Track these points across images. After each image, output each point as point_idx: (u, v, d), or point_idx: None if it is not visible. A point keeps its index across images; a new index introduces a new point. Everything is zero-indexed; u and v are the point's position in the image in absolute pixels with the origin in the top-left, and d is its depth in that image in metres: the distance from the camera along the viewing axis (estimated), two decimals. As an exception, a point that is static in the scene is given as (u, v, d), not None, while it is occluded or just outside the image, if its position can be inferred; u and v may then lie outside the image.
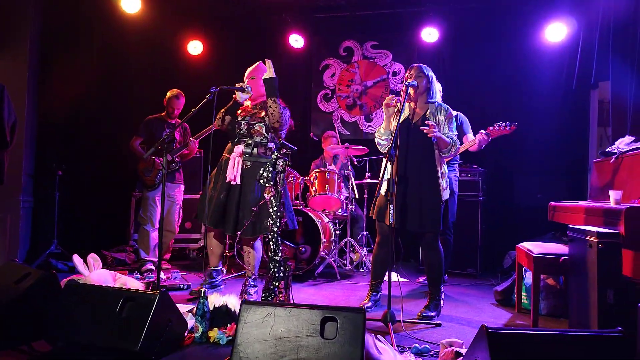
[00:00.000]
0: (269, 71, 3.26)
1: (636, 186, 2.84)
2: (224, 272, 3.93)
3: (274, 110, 3.24)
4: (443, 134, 3.03)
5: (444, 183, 3.07)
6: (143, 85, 5.84)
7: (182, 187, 4.57)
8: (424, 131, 2.94)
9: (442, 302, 3.22)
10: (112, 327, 2.20)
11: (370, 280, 3.32)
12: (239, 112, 3.44)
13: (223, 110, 3.42)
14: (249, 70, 3.50)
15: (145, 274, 3.95)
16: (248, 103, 3.46)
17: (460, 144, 4.09)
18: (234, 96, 3.36)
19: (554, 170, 5.12)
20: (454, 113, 4.11)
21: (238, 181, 3.22)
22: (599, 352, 1.73)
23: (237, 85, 3.33)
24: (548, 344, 1.74)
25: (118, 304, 2.23)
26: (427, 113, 3.11)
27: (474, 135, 4.01)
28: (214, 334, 2.50)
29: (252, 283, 3.43)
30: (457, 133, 3.15)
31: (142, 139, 4.43)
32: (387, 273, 2.97)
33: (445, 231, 4.06)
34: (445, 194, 3.09)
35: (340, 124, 6.23)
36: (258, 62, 3.51)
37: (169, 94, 4.47)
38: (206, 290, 2.64)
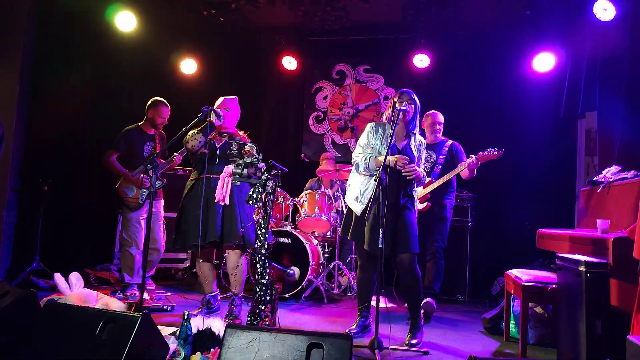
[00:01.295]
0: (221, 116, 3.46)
1: (623, 215, 2.86)
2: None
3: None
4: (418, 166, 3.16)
5: (414, 208, 3.20)
6: (135, 103, 5.82)
7: (162, 201, 4.39)
8: (406, 175, 3.04)
9: (422, 325, 3.18)
10: (91, 350, 2.12)
11: (357, 305, 3.29)
12: (211, 136, 3.50)
13: (197, 130, 3.43)
14: (224, 98, 3.58)
15: (129, 293, 3.87)
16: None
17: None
18: (209, 119, 3.38)
19: (542, 197, 5.15)
20: (449, 142, 4.16)
21: (227, 202, 3.19)
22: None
23: (216, 109, 3.43)
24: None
25: (98, 326, 2.16)
26: (412, 144, 3.19)
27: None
28: (197, 358, 2.43)
29: (239, 302, 3.40)
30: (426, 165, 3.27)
31: (120, 154, 4.15)
32: (373, 297, 2.95)
33: (435, 254, 4.05)
34: (415, 218, 3.17)
35: (332, 146, 6.25)
36: (234, 97, 3.62)
37: (155, 101, 4.25)
38: (191, 312, 2.58)
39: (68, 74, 5.00)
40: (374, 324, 2.71)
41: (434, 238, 4.09)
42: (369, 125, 3.26)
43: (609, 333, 2.26)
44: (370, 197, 3.07)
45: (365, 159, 3.14)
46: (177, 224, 3.47)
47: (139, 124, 4.29)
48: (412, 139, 3.21)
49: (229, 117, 3.54)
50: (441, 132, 4.23)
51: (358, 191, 3.16)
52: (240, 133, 3.59)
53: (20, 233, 4.66)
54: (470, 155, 3.89)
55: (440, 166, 4.11)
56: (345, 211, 3.33)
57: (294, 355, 1.94)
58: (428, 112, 4.23)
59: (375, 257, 3.10)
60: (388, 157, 2.90)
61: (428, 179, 4.09)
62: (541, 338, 3.23)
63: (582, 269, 2.32)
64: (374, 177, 3.11)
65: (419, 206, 4.07)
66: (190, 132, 3.40)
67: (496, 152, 3.83)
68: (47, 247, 4.60)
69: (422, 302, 2.66)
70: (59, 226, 4.93)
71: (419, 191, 4.10)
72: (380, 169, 2.84)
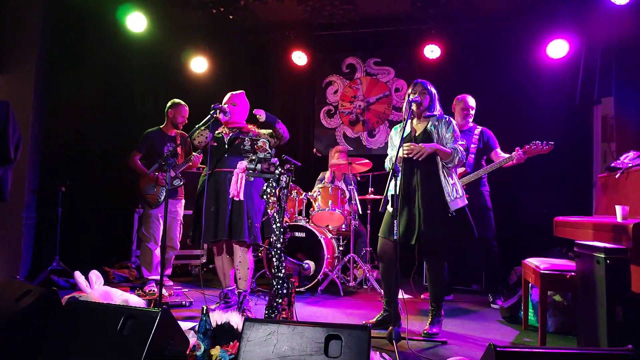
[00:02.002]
0: (261, 115, 3.36)
1: (643, 201, 2.81)
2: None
3: (279, 134, 3.47)
4: (445, 145, 3.01)
5: (453, 193, 2.99)
6: (147, 103, 5.89)
7: (183, 201, 4.53)
8: (416, 157, 2.94)
9: (442, 317, 3.17)
10: (113, 346, 2.16)
11: (383, 298, 3.30)
12: (218, 131, 3.50)
13: (203, 126, 3.42)
14: (230, 94, 3.57)
15: (147, 290, 3.92)
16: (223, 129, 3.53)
17: (490, 160, 4.06)
18: (216, 115, 3.38)
19: (559, 186, 5.09)
20: (479, 129, 4.09)
21: (241, 197, 3.21)
22: (610, 371, 1.69)
23: (220, 105, 3.41)
24: (558, 363, 1.70)
25: (119, 322, 2.19)
26: (428, 126, 3.10)
27: (500, 149, 4.02)
28: (216, 352, 2.45)
29: (247, 297, 3.41)
30: (463, 142, 3.13)
31: (142, 154, 4.38)
32: (396, 289, 2.96)
33: (489, 244, 4.04)
34: (456, 204, 2.98)
35: (344, 140, 6.24)
36: (241, 91, 3.60)
37: (175, 102, 4.42)
38: (209, 307, 2.61)
39: (81, 76, 5.06)
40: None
41: (483, 230, 4.01)
42: (393, 129, 3.29)
43: (630, 319, 2.23)
44: (394, 191, 3.06)
45: (389, 159, 3.17)
46: (193, 222, 3.48)
47: (161, 126, 4.46)
48: (432, 120, 3.11)
49: (237, 112, 3.51)
50: (472, 117, 4.11)
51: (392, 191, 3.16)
52: (251, 127, 3.56)
53: (39, 233, 4.74)
54: (517, 149, 3.80)
55: (474, 155, 4.02)
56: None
57: (312, 347, 1.95)
58: (459, 96, 4.13)
59: (404, 249, 3.09)
60: (400, 149, 2.90)
61: (461, 169, 4.01)
62: (560, 326, 3.21)
63: (602, 255, 2.29)
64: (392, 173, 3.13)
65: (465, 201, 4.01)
66: (197, 130, 3.41)
67: (546, 147, 3.73)
68: (66, 247, 4.68)
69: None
70: (77, 226, 5.01)
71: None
72: (395, 163, 2.82)
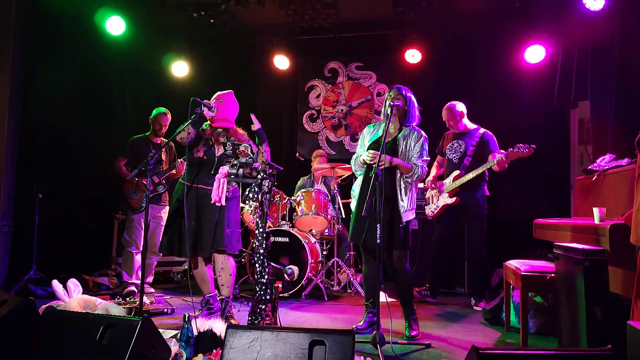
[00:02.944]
0: (255, 123, 3.33)
1: (619, 203, 2.87)
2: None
3: (263, 157, 3.32)
4: (409, 158, 3.08)
5: (404, 204, 3.05)
6: (127, 107, 5.81)
7: (167, 208, 4.49)
8: (371, 163, 3.00)
9: (416, 316, 3.20)
10: (93, 356, 2.12)
11: (364, 301, 3.30)
12: (201, 129, 3.39)
13: (188, 123, 3.32)
14: (219, 93, 3.48)
15: (128, 298, 3.85)
16: (207, 125, 3.43)
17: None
18: (199, 110, 3.29)
19: (537, 188, 5.17)
20: (482, 131, 4.10)
21: (223, 202, 3.17)
22: (590, 371, 1.72)
23: (205, 101, 3.31)
24: (539, 364, 1.72)
25: (98, 331, 2.15)
26: (399, 135, 3.16)
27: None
28: (199, 360, 2.42)
29: (230, 304, 3.36)
30: (427, 159, 3.16)
31: (127, 160, 4.42)
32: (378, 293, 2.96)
33: (479, 251, 4.06)
34: (407, 216, 3.06)
35: (326, 144, 6.24)
36: (230, 91, 3.52)
37: (155, 111, 4.47)
38: (190, 314, 2.57)
39: (59, 80, 4.96)
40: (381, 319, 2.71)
41: (471, 237, 4.06)
42: (366, 127, 3.32)
43: (608, 319, 2.27)
44: (359, 194, 3.12)
45: (355, 159, 3.23)
46: (166, 231, 3.37)
47: (147, 133, 4.50)
48: (408, 132, 3.17)
49: (223, 109, 3.39)
50: (465, 120, 4.12)
51: (355, 191, 3.20)
52: (240, 131, 3.48)
53: (16, 241, 4.63)
54: (501, 151, 3.83)
55: (471, 158, 4.01)
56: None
57: (296, 353, 1.94)
58: (447, 105, 4.15)
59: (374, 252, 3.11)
60: (365, 154, 3.03)
61: (457, 172, 4.03)
62: (542, 327, 3.25)
63: (580, 257, 2.33)
64: (359, 174, 3.24)
65: (449, 200, 4.06)
66: (181, 127, 3.33)
67: (527, 150, 3.72)
68: (44, 255, 4.57)
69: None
70: (55, 233, 4.89)
71: (447, 183, 4.07)
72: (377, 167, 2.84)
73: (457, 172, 4.05)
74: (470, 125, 4.18)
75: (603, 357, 1.73)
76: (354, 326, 3.20)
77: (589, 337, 2.28)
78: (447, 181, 4.08)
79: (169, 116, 4.49)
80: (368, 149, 3.11)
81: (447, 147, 4.21)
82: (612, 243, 2.39)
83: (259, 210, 2.61)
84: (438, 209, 4.16)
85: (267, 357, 1.94)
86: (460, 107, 4.15)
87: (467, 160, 4.03)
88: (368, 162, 3.04)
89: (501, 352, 1.72)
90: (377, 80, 6.13)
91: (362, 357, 2.22)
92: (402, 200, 3.05)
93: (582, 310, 2.31)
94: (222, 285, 3.35)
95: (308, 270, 4.24)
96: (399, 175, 3.08)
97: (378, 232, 2.73)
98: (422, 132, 3.19)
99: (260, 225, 2.65)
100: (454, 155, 4.10)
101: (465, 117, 4.17)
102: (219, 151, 3.41)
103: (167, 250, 3.36)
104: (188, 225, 3.22)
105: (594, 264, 2.31)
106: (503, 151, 3.82)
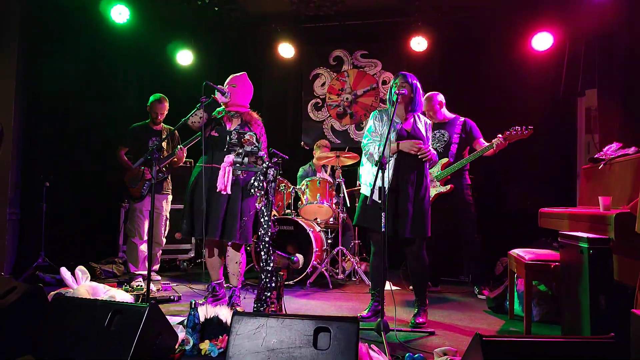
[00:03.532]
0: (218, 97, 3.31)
1: (625, 192, 2.86)
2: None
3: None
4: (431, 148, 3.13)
5: (438, 187, 3.11)
6: (132, 96, 5.81)
7: (169, 197, 4.50)
8: (421, 157, 3.03)
9: (427, 306, 3.23)
10: (101, 341, 2.15)
11: (370, 290, 3.32)
12: (214, 113, 3.37)
13: (200, 107, 3.29)
14: (232, 76, 3.46)
15: (135, 285, 3.89)
16: (223, 110, 3.40)
17: (473, 150, 4.10)
18: (214, 96, 3.30)
19: (544, 177, 5.16)
20: (462, 119, 4.14)
21: (229, 191, 3.18)
22: (591, 358, 1.73)
23: (219, 86, 3.31)
24: (541, 351, 1.74)
25: (106, 318, 2.18)
26: (415, 124, 3.16)
27: (484, 139, 4.05)
28: (205, 346, 2.46)
29: (238, 293, 3.39)
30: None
31: (128, 149, 4.39)
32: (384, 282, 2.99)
33: (471, 238, 4.10)
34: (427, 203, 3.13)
35: (331, 133, 6.23)
36: (243, 72, 3.49)
37: (151, 98, 4.42)
38: (197, 301, 2.60)
39: (64, 68, 4.97)
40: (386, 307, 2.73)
41: (464, 226, 4.09)
42: (373, 113, 3.28)
43: (612, 308, 2.28)
44: (382, 183, 3.09)
45: (379, 148, 3.15)
46: (184, 215, 3.37)
47: (147, 120, 4.47)
48: (418, 120, 3.19)
49: (237, 93, 3.38)
50: (444, 110, 4.19)
51: (371, 178, 3.17)
52: (254, 114, 3.45)
53: (24, 229, 4.67)
54: (498, 136, 3.84)
55: (457, 145, 4.06)
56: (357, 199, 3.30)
57: (301, 340, 1.97)
58: (427, 95, 4.19)
59: (393, 241, 3.15)
60: (402, 142, 3.02)
61: (446, 160, 4.07)
62: (545, 315, 3.26)
63: (585, 245, 2.34)
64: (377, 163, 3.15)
65: (442, 189, 4.07)
66: (195, 113, 3.29)
67: (526, 132, 3.74)
68: (52, 243, 4.62)
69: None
70: (62, 221, 4.94)
71: (435, 172, 4.09)
72: (391, 155, 2.86)
73: (445, 160, 4.06)
74: (449, 115, 4.21)
75: (605, 345, 1.74)
76: (359, 314, 3.23)
77: (593, 325, 2.29)
78: (435, 170, 4.07)
79: (166, 103, 4.42)
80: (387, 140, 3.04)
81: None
82: (617, 232, 2.39)
83: (264, 199, 2.62)
84: (430, 198, 4.16)
85: (272, 343, 1.97)
86: (440, 97, 4.20)
87: (453, 148, 4.06)
88: (413, 152, 3.03)
89: (504, 340, 1.73)
90: (383, 69, 6.10)
91: (366, 344, 2.24)
92: (426, 186, 3.10)
93: (586, 299, 2.32)
94: (232, 274, 3.39)
95: (313, 259, 4.27)
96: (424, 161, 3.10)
97: (383, 221, 2.74)
98: (428, 120, 3.24)
99: (265, 214, 2.67)
100: (439, 145, 4.11)
101: (444, 107, 4.21)
102: (231, 126, 3.38)
103: (188, 235, 3.35)
104: (198, 205, 3.23)
105: (598, 253, 2.31)
106: (500, 135, 3.83)
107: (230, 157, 3.15)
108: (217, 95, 3.30)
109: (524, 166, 5.24)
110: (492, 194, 5.31)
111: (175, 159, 4.27)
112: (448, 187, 4.03)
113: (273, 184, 2.64)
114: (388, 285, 4.27)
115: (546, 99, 5.19)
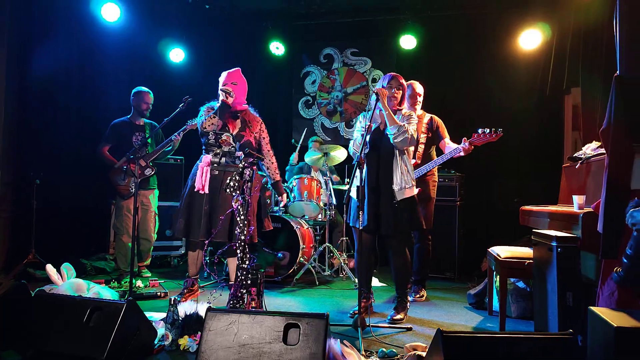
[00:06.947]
0: None
1: (599, 191, 2.90)
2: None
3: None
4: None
5: (401, 183, 3.10)
6: (123, 94, 5.84)
7: (156, 191, 4.47)
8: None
9: (409, 303, 3.29)
10: (80, 337, 2.22)
11: (358, 287, 3.37)
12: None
13: (212, 113, 3.33)
14: (227, 73, 3.45)
15: (123, 282, 3.95)
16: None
17: (438, 150, 4.08)
18: (222, 99, 3.30)
19: (531, 175, 5.21)
20: (428, 116, 4.05)
21: (206, 190, 3.23)
22: (549, 353, 1.79)
23: (224, 87, 3.33)
24: (501, 346, 1.79)
25: (85, 314, 2.25)
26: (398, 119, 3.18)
27: (450, 140, 3.93)
28: (184, 341, 2.52)
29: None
30: (415, 128, 3.16)
31: (111, 145, 4.31)
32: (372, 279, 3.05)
33: (424, 236, 3.96)
34: (403, 194, 3.11)
35: (322, 130, 6.28)
36: (237, 68, 3.51)
37: (135, 90, 4.37)
38: (176, 298, 2.66)
39: (55, 67, 5.01)
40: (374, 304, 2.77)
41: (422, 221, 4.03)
42: (362, 113, 3.35)
43: (579, 304, 2.34)
44: (361, 180, 3.14)
45: (353, 143, 3.24)
46: (180, 214, 3.36)
47: (128, 116, 4.43)
48: (396, 115, 3.18)
49: (239, 91, 3.41)
50: (420, 105, 3.93)
51: (357, 178, 3.21)
52: (252, 111, 3.50)
53: (15, 226, 4.72)
54: (464, 139, 3.66)
55: (423, 145, 3.93)
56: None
57: (271, 335, 2.03)
58: (407, 82, 3.91)
59: (373, 239, 3.21)
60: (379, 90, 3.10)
61: (446, 155, 3.84)
62: (523, 312, 3.32)
63: (554, 243, 2.39)
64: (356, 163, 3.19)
65: (414, 191, 3.98)
66: (207, 118, 3.32)
67: (494, 135, 3.56)
68: (43, 239, 4.67)
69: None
70: (53, 218, 4.98)
71: None
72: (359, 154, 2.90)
73: (412, 161, 3.90)
74: (419, 111, 3.94)
75: (563, 341, 1.80)
76: (350, 311, 3.29)
77: (561, 321, 2.35)
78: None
79: (151, 95, 4.42)
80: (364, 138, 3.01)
81: None
82: (585, 230, 2.44)
83: (240, 198, 2.68)
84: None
85: (243, 339, 2.03)
86: (420, 88, 3.92)
87: (420, 148, 3.89)
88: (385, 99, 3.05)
89: (463, 335, 1.79)
90: (373, 66, 6.13)
91: (337, 339, 2.30)
92: (396, 182, 3.09)
93: (555, 295, 2.38)
94: (233, 271, 3.42)
95: (300, 255, 4.32)
96: (397, 153, 3.12)
97: (361, 217, 2.80)
98: (412, 113, 3.25)
99: (241, 213, 2.72)
100: None
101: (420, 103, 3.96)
102: (234, 129, 3.39)
103: (183, 234, 3.36)
104: (200, 206, 3.27)
105: (566, 251, 2.37)
106: (466, 139, 3.66)
107: (208, 157, 3.20)
108: (226, 97, 3.30)
109: (511, 163, 5.29)
110: (481, 190, 5.36)
111: (170, 148, 4.29)
112: (417, 190, 3.93)
113: (249, 183, 2.69)
114: (375, 281, 4.34)
115: (534, 97, 5.24)
